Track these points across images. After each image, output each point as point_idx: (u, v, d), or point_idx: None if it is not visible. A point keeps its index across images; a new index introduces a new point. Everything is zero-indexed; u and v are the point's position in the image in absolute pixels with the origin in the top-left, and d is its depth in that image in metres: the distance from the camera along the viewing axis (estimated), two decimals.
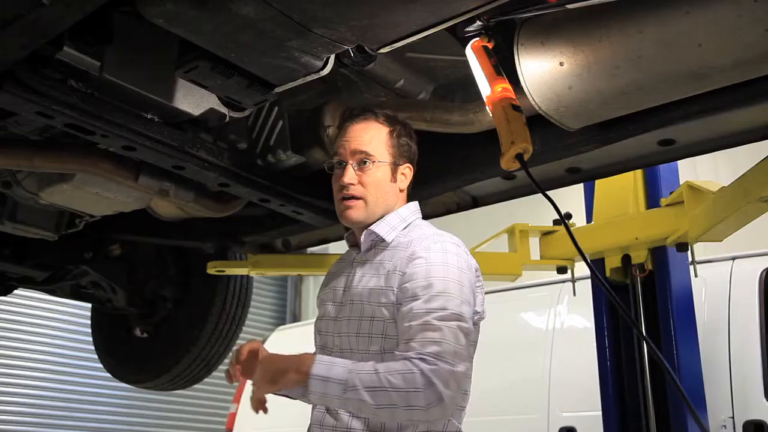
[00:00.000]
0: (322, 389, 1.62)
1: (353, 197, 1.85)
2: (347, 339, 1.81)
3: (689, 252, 3.18)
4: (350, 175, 1.85)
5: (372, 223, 1.88)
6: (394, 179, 1.89)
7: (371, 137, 1.88)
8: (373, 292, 1.79)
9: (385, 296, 1.76)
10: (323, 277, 2.09)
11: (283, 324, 8.42)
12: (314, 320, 1.99)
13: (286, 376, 1.65)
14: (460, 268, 1.77)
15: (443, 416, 1.66)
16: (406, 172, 1.92)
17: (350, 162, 1.86)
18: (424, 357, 1.61)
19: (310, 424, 1.83)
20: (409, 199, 1.97)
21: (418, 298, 1.70)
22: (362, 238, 1.89)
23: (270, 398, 2.02)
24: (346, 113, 2.25)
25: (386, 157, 1.87)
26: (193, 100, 2.01)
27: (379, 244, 1.88)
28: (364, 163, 1.85)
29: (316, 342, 1.94)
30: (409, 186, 1.95)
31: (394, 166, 1.89)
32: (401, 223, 1.89)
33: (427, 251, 1.77)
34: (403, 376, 1.60)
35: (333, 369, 1.63)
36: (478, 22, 1.72)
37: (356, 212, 1.86)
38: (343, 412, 1.72)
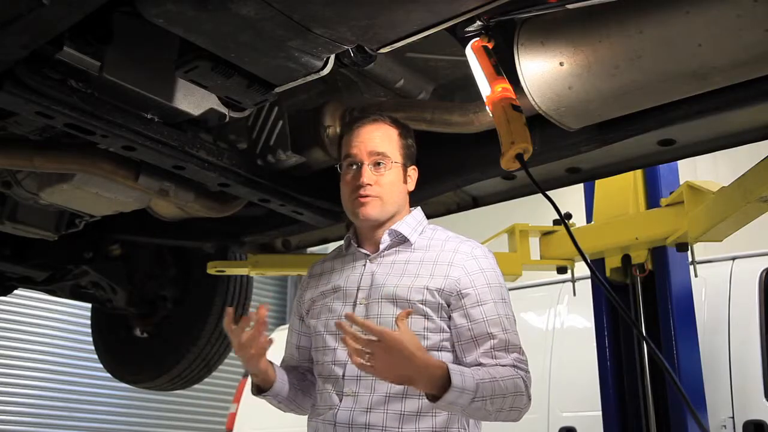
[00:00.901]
0: (455, 399, 1.60)
1: (369, 195, 1.87)
2: None
3: (689, 252, 3.18)
4: (368, 175, 1.87)
5: (384, 223, 1.90)
6: (405, 180, 1.94)
7: (383, 139, 1.91)
8: (413, 290, 1.80)
9: (430, 295, 1.79)
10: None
11: (283, 324, 8.40)
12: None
13: (413, 383, 1.60)
14: (501, 273, 1.89)
15: (522, 416, 1.76)
16: (413, 174, 1.97)
17: (366, 163, 1.88)
18: (520, 365, 1.75)
19: (328, 426, 1.79)
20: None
21: (485, 303, 1.79)
22: (384, 237, 1.90)
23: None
24: (346, 113, 2.25)
25: (399, 158, 1.91)
26: (193, 100, 2.01)
27: (399, 244, 1.91)
28: (380, 164, 1.88)
29: (318, 343, 1.91)
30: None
31: (405, 167, 1.93)
32: (419, 226, 1.94)
33: (475, 258, 1.85)
34: (513, 381, 1.71)
35: (465, 379, 1.62)
36: (478, 22, 1.72)
37: (372, 209, 1.87)
38: (378, 410, 1.72)
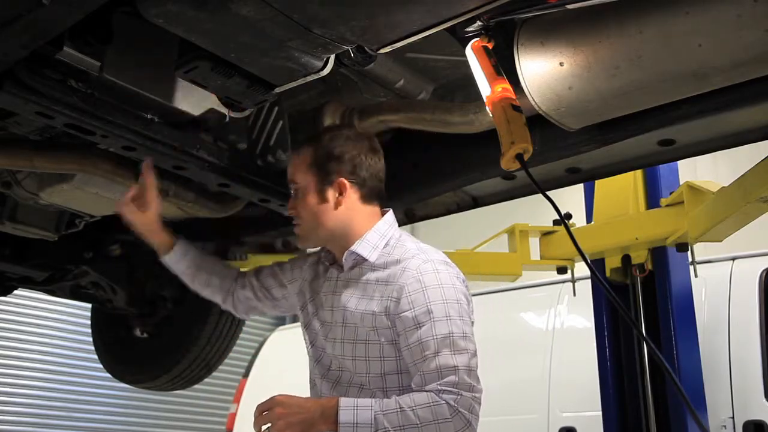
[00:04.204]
0: None
1: (295, 224, 1.93)
2: (342, 360, 1.83)
3: (689, 252, 3.19)
4: (289, 204, 1.93)
5: (333, 242, 1.91)
6: (323, 200, 1.86)
7: (295, 166, 1.92)
8: (366, 315, 1.80)
9: (379, 321, 1.78)
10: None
11: (283, 324, 8.39)
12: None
13: (316, 428, 1.68)
14: (455, 285, 1.79)
15: None
16: (343, 188, 1.85)
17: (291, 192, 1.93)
18: (447, 389, 1.67)
19: None
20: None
21: (422, 324, 1.72)
22: (344, 258, 1.88)
23: None
24: (346, 113, 2.25)
25: (308, 180, 1.88)
26: (193, 100, 2.01)
27: (361, 263, 1.87)
28: (296, 191, 1.91)
29: (309, 351, 1.95)
30: (365, 195, 1.88)
31: (321, 186, 1.86)
32: (381, 240, 1.88)
33: (420, 274, 1.77)
34: (431, 409, 1.65)
35: (359, 413, 1.66)
36: (478, 22, 1.72)
37: (300, 237, 1.95)
38: None
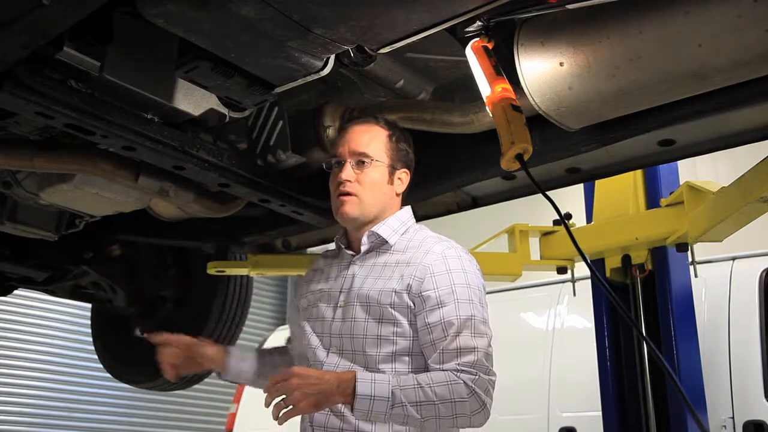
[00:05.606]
0: (368, 407, 1.65)
1: (348, 193, 1.88)
2: (350, 340, 1.81)
3: (689, 252, 3.19)
4: (348, 172, 1.87)
5: (367, 223, 1.91)
6: (390, 181, 1.92)
7: (370, 139, 1.91)
8: (384, 293, 1.80)
9: (399, 298, 1.79)
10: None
11: (283, 324, 8.41)
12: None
13: (332, 399, 1.67)
14: (476, 273, 1.85)
15: (485, 421, 1.73)
16: (403, 177, 1.95)
17: (348, 161, 1.88)
18: (465, 369, 1.70)
19: (308, 426, 1.81)
20: (404, 203, 2.00)
21: (446, 305, 1.75)
22: (363, 239, 1.90)
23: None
24: (346, 113, 2.26)
25: (384, 159, 1.90)
26: (193, 100, 2.01)
27: (380, 246, 1.91)
28: (362, 162, 1.88)
29: (304, 342, 1.92)
30: (404, 192, 1.98)
31: (392, 169, 1.92)
32: (401, 227, 1.93)
33: (445, 258, 1.82)
34: (448, 387, 1.68)
35: (377, 387, 1.66)
36: (478, 23, 1.72)
37: (351, 207, 1.88)
38: (351, 414, 1.72)
